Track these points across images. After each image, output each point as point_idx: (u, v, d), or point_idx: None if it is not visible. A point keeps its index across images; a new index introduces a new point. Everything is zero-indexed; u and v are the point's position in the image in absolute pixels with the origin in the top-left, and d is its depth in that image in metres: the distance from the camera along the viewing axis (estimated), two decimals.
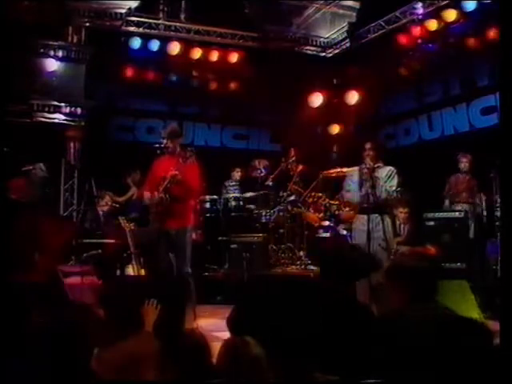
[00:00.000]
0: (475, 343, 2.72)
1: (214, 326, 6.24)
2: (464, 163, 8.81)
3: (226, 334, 3.65)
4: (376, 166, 6.28)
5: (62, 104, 9.73)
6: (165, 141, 6.57)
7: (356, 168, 6.47)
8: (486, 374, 2.65)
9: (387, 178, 6.25)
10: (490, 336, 2.79)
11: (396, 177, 6.26)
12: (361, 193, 6.25)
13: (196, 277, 6.77)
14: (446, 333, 2.74)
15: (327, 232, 9.14)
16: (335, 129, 12.08)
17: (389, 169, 6.31)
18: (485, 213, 8.27)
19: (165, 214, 6.40)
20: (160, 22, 10.65)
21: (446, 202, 8.98)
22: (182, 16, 10.83)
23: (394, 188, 6.20)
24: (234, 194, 9.87)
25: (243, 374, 2.56)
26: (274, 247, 9.08)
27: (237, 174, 10.28)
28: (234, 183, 10.20)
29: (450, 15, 9.15)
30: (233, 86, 11.36)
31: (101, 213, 9.00)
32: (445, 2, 9.30)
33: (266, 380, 2.62)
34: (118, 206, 9.37)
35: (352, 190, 6.39)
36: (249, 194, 9.72)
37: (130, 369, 2.97)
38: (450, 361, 2.65)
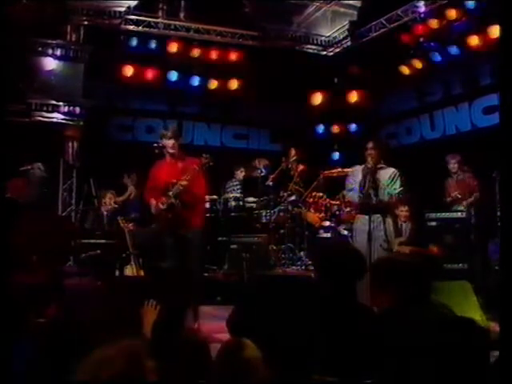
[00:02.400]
0: (472, 343, 2.69)
1: (213, 327, 6.15)
2: (452, 164, 8.74)
3: (226, 336, 3.61)
4: (378, 166, 6.22)
5: (61, 103, 9.66)
6: (166, 141, 6.49)
7: (358, 167, 6.41)
8: (483, 375, 2.62)
9: (390, 180, 6.18)
10: (487, 336, 2.77)
11: (399, 179, 6.19)
12: (363, 192, 6.19)
13: (195, 277, 6.73)
14: (444, 333, 2.70)
15: (328, 232, 9.08)
16: (336, 128, 12.03)
17: (392, 171, 6.24)
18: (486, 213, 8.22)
19: (174, 218, 6.38)
20: (159, 20, 10.59)
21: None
22: (182, 15, 10.78)
23: (395, 191, 6.14)
24: (234, 194, 9.80)
25: (238, 376, 2.52)
26: (275, 247, 9.02)
27: (240, 174, 10.19)
28: (237, 183, 10.12)
29: (452, 13, 9.11)
30: (233, 85, 11.30)
31: (105, 213, 8.95)
32: (446, 0, 9.24)
33: (262, 382, 2.57)
34: (116, 206, 9.33)
35: (354, 190, 6.33)
36: (251, 199, 9.68)
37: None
38: (448, 361, 2.61)
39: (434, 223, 8.45)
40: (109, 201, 8.97)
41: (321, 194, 7.17)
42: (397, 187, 6.15)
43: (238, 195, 9.75)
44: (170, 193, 6.31)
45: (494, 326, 3.34)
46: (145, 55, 10.63)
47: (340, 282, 3.31)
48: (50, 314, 4.04)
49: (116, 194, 9.67)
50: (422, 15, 9.59)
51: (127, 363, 2.02)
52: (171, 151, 6.46)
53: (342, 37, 11.35)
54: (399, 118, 11.35)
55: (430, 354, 2.64)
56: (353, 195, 6.36)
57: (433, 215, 8.50)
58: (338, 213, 8.81)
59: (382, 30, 10.40)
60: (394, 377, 2.72)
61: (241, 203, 9.63)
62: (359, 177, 6.29)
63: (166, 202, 6.35)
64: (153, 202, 6.52)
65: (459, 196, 8.57)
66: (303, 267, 8.62)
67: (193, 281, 6.29)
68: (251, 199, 9.69)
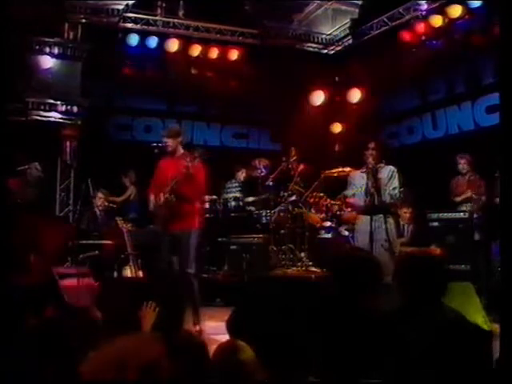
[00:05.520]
0: (476, 348, 2.65)
1: (213, 328, 6.18)
2: (462, 164, 8.69)
3: (226, 337, 3.52)
4: (378, 166, 6.29)
5: (58, 102, 9.63)
6: (165, 140, 6.61)
7: (358, 172, 6.43)
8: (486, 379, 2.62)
9: (388, 179, 6.27)
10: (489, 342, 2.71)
11: (397, 176, 6.29)
12: (366, 198, 6.25)
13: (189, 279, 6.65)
14: (450, 337, 2.68)
15: (329, 233, 9.03)
16: (337, 127, 11.97)
17: (389, 169, 6.33)
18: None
19: (170, 215, 6.38)
20: (158, 18, 10.53)
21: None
22: (181, 12, 10.72)
23: (396, 190, 6.21)
24: (234, 195, 9.73)
25: (233, 378, 2.48)
26: (275, 248, 8.93)
27: (241, 175, 10.13)
28: (237, 184, 10.05)
29: (455, 11, 9.07)
30: (232, 83, 11.25)
31: (98, 212, 8.88)
32: None
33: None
34: (115, 206, 9.27)
35: (356, 195, 6.34)
36: (251, 199, 9.60)
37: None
38: (452, 364, 2.59)
39: (436, 223, 8.37)
40: (100, 200, 8.88)
41: (321, 195, 7.11)
42: (395, 185, 6.24)
43: (238, 195, 9.69)
44: (167, 188, 6.36)
45: (498, 328, 3.27)
46: (143, 54, 10.55)
47: (354, 290, 3.22)
48: (47, 315, 4.00)
49: (114, 193, 9.62)
50: (424, 13, 9.56)
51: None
52: (168, 150, 6.62)
53: (343, 35, 11.34)
54: (401, 117, 11.29)
55: (436, 358, 2.58)
56: (356, 200, 6.36)
57: (435, 215, 8.42)
58: (338, 213, 8.73)
59: (384, 28, 10.36)
60: (398, 378, 2.67)
61: (241, 203, 9.58)
62: (361, 181, 6.35)
63: (163, 198, 6.38)
64: (151, 197, 6.60)
65: (475, 196, 8.47)
66: (304, 268, 8.53)
67: (186, 283, 6.27)
68: (251, 199, 9.62)
